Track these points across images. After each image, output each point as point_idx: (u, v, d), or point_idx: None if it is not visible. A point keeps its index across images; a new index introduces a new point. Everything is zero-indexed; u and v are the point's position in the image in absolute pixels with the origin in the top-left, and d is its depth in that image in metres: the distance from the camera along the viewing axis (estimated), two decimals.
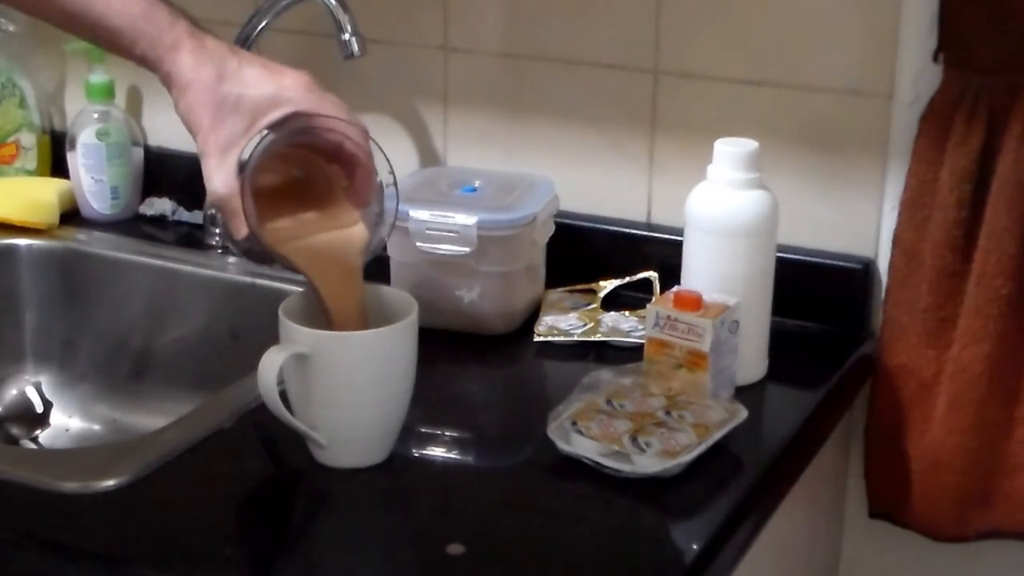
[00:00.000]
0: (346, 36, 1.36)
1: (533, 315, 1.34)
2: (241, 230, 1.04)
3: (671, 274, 1.26)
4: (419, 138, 1.49)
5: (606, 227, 1.41)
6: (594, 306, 1.35)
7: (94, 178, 1.56)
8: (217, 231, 1.52)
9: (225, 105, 1.03)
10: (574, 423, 1.10)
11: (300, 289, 1.10)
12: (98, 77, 1.56)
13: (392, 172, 1.08)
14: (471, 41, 1.45)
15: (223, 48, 1.05)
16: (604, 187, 1.42)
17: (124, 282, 1.49)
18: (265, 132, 1.04)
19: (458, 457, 1.15)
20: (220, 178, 1.03)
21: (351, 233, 1.08)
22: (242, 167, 1.04)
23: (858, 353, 1.31)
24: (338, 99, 1.07)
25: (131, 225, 1.58)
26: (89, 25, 1.06)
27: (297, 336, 1.03)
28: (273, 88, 1.04)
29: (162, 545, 0.99)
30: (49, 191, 1.57)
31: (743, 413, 1.12)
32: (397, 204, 1.09)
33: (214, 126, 1.03)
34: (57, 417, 1.50)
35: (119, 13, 1.04)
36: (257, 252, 1.09)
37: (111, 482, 1.04)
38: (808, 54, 1.31)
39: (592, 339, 1.29)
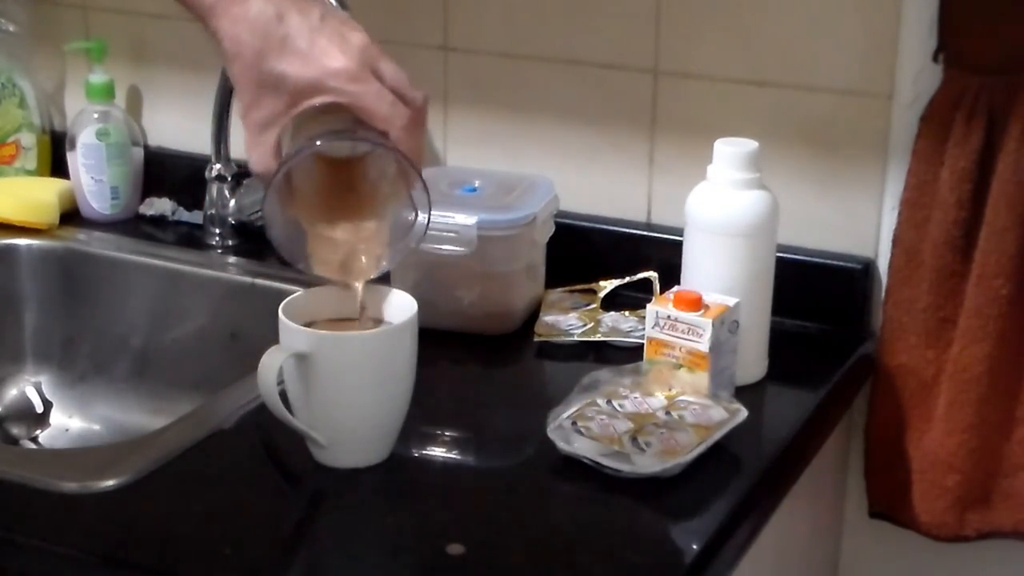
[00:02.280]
0: None
1: (533, 315, 1.34)
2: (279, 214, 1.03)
3: (671, 274, 1.26)
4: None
5: (606, 227, 1.41)
6: (594, 306, 1.35)
7: (94, 178, 1.56)
8: (217, 232, 1.52)
9: (266, 83, 0.99)
10: (574, 423, 1.10)
11: (300, 289, 1.10)
12: (98, 77, 1.56)
13: (426, 190, 1.04)
14: (471, 41, 1.45)
15: (269, 12, 0.99)
16: (604, 187, 1.42)
17: (124, 282, 1.49)
18: (298, 147, 1.01)
19: (458, 457, 1.15)
20: (256, 156, 1.01)
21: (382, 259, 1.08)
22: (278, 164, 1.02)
23: (858, 353, 1.31)
24: (392, 76, 1.00)
25: (131, 225, 1.58)
26: None
27: (297, 336, 1.03)
28: (316, 73, 0.99)
29: (162, 545, 0.99)
30: (49, 191, 1.57)
31: (743, 413, 1.12)
32: (428, 218, 1.05)
33: (255, 102, 1.00)
34: (57, 417, 1.50)
35: None
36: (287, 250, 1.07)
37: (111, 482, 1.04)
38: (808, 54, 1.31)
39: (592, 339, 1.29)
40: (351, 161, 1.07)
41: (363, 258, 1.07)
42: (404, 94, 1.01)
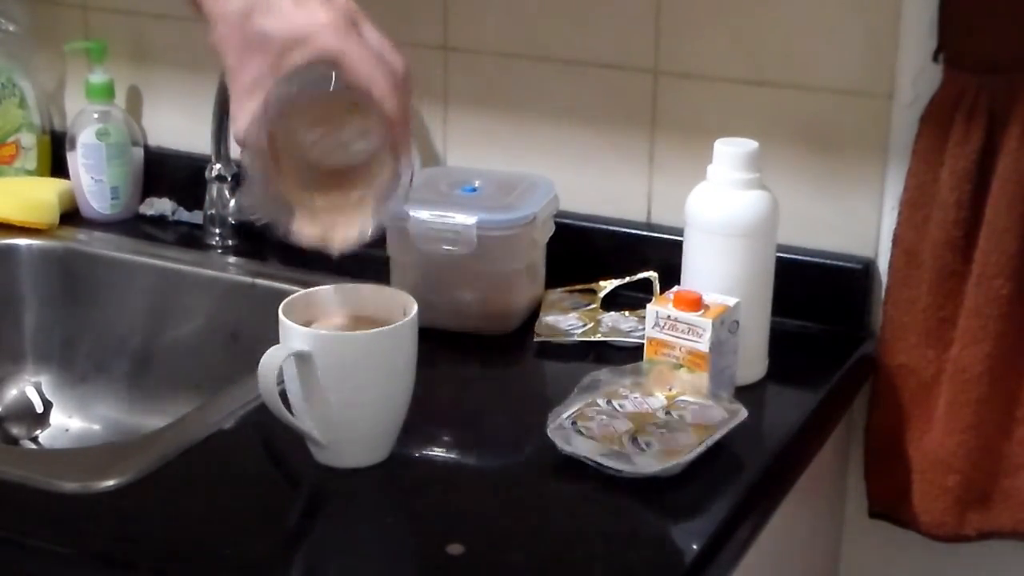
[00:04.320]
0: None
1: (533, 315, 1.34)
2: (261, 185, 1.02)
3: (671, 274, 1.26)
4: (419, 138, 1.49)
5: (606, 227, 1.41)
6: (594, 306, 1.35)
7: (94, 178, 1.56)
8: (217, 232, 1.52)
9: (250, 44, 0.97)
10: (574, 423, 1.10)
11: (300, 289, 1.10)
12: (98, 77, 1.56)
13: (409, 152, 1.02)
14: (471, 41, 1.45)
15: None
16: (604, 187, 1.42)
17: (124, 282, 1.49)
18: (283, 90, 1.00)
19: (458, 457, 1.15)
20: (241, 122, 1.00)
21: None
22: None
23: (858, 353, 1.31)
24: (375, 40, 1.00)
25: (131, 225, 1.58)
26: None
27: (297, 336, 1.03)
28: (301, 25, 0.97)
29: (162, 545, 0.99)
30: (49, 191, 1.57)
31: (743, 413, 1.12)
32: (412, 178, 1.03)
33: (240, 65, 0.98)
34: (57, 417, 1.50)
35: None
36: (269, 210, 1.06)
37: (111, 482, 1.04)
38: (808, 54, 1.31)
39: (592, 339, 1.29)
40: (334, 131, 1.05)
41: (346, 227, 1.05)
42: (386, 58, 1.00)
